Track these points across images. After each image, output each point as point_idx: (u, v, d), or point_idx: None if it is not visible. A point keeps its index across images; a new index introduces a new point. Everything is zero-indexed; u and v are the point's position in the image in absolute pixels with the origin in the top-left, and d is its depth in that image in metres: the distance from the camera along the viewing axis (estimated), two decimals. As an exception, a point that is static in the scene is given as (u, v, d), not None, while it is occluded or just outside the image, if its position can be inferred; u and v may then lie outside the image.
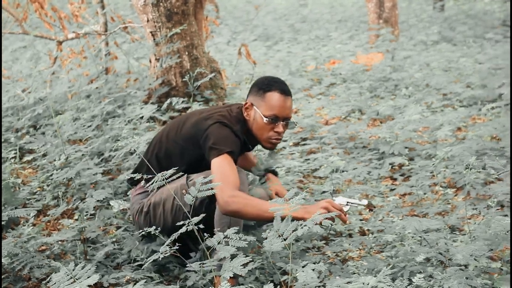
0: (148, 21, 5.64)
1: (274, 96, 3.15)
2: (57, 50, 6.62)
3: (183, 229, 2.61)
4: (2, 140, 5.03)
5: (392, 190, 4.38)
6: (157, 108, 5.37)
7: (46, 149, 4.58)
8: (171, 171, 2.70)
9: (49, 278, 2.61)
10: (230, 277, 2.64)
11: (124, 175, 4.19)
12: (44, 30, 10.57)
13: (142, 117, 5.15)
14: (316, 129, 5.52)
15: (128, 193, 3.94)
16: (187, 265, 2.88)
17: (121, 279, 3.07)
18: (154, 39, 5.64)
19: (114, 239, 3.50)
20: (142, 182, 3.19)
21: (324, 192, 4.13)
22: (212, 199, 2.92)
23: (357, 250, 3.43)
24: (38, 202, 4.11)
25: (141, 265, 3.18)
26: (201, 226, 2.63)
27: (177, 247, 2.70)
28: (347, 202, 2.99)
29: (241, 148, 3.15)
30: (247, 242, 2.57)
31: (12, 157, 4.80)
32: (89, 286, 2.32)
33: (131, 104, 5.61)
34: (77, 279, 2.35)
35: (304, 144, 5.25)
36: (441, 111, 6.14)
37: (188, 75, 5.35)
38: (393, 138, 4.95)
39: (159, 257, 2.61)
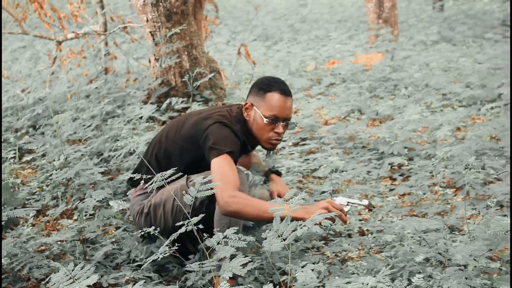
0: (147, 21, 5.64)
1: (274, 97, 3.14)
2: (56, 50, 6.63)
3: (183, 230, 2.61)
4: (2, 140, 5.03)
5: (391, 190, 4.38)
6: (157, 108, 5.37)
7: (45, 149, 4.58)
8: (170, 171, 2.70)
9: (48, 278, 2.61)
10: (230, 278, 2.64)
11: (123, 175, 4.19)
12: (44, 30, 10.58)
13: (141, 117, 5.15)
14: (315, 129, 5.52)
15: (127, 193, 3.94)
16: (186, 265, 2.88)
17: (120, 279, 3.07)
18: (153, 39, 5.64)
19: (113, 239, 3.50)
20: (142, 183, 3.19)
21: (323, 192, 4.13)
22: (212, 199, 2.92)
23: (356, 250, 3.43)
24: (37, 202, 4.11)
25: (140, 265, 3.18)
26: (201, 226, 2.63)
27: (177, 247, 2.70)
28: (348, 202, 2.99)
29: (241, 149, 3.15)
30: (247, 242, 2.57)
31: (12, 157, 4.80)
32: (88, 286, 2.32)
33: (131, 104, 5.61)
34: (76, 279, 2.35)
35: (303, 144, 5.25)
36: (440, 111, 6.14)
37: (187, 75, 5.35)
38: (393, 138, 4.95)
39: (159, 257, 2.62)
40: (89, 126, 4.96)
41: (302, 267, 2.71)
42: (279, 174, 3.56)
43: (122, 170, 4.43)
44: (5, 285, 3.11)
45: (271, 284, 2.53)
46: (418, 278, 2.70)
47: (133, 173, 3.03)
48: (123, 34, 10.20)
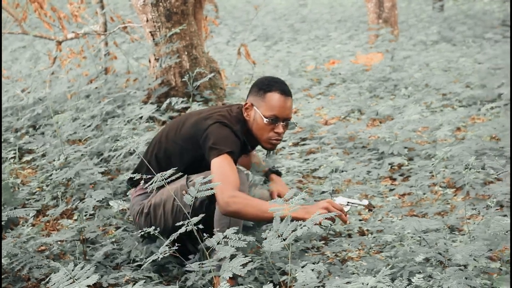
0: (147, 21, 5.64)
1: (274, 97, 3.14)
2: (56, 50, 6.63)
3: (183, 229, 2.61)
4: (2, 140, 5.03)
5: (391, 190, 4.38)
6: (157, 108, 5.37)
7: (45, 149, 4.58)
8: (170, 171, 2.70)
9: (48, 278, 2.61)
10: (230, 278, 2.64)
11: (123, 175, 4.19)
12: (44, 30, 10.58)
13: (141, 117, 5.15)
14: (315, 129, 5.52)
15: (127, 193, 3.94)
16: (186, 265, 2.88)
17: (120, 279, 3.07)
18: (153, 39, 5.64)
19: (113, 239, 3.50)
20: (142, 183, 3.19)
21: (323, 192, 4.13)
22: (212, 199, 2.91)
23: (356, 250, 3.43)
24: (37, 202, 4.11)
25: (140, 265, 3.18)
26: (201, 226, 2.63)
27: (176, 247, 2.70)
28: (348, 202, 2.99)
29: (241, 149, 3.15)
30: (247, 242, 2.57)
31: (12, 157, 4.80)
32: (88, 286, 2.32)
33: (131, 104, 5.61)
34: (76, 279, 2.35)
35: (303, 144, 5.25)
36: (440, 111, 6.14)
37: (187, 75, 5.35)
38: (393, 138, 4.95)
39: (158, 257, 2.62)
40: (89, 126, 4.96)
41: (302, 267, 2.70)
42: (279, 174, 3.56)
43: (122, 170, 4.43)
44: (5, 285, 3.11)
45: (271, 284, 2.53)
46: (418, 278, 2.71)
47: (133, 173, 3.03)
48: (123, 34, 10.19)
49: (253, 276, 3.03)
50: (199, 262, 2.76)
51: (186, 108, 5.38)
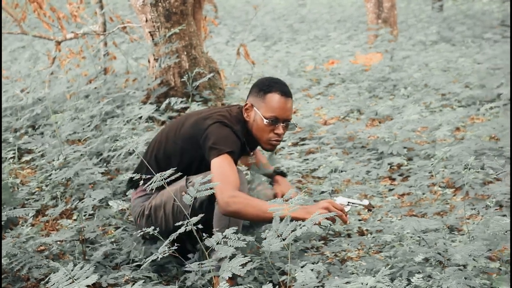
0: (146, 21, 5.64)
1: (274, 98, 3.14)
2: (55, 50, 6.62)
3: (182, 230, 2.60)
4: (1, 140, 5.03)
5: (390, 190, 4.38)
6: (156, 108, 5.37)
7: (44, 149, 4.58)
8: (169, 171, 2.69)
9: (47, 278, 2.61)
10: (229, 278, 2.64)
11: (123, 176, 4.19)
12: (43, 30, 10.57)
13: (140, 117, 5.15)
14: (314, 129, 5.52)
15: (127, 193, 3.94)
16: (186, 265, 2.88)
17: (119, 279, 3.07)
18: (152, 39, 5.64)
19: (112, 239, 3.50)
20: (142, 184, 3.18)
21: (322, 192, 4.13)
22: (211, 200, 2.91)
23: (355, 250, 3.43)
24: (36, 202, 4.10)
25: (139, 265, 3.18)
26: (200, 226, 2.63)
27: (176, 247, 2.70)
28: (348, 202, 2.99)
29: (240, 149, 3.15)
30: (246, 242, 2.57)
31: (11, 157, 4.80)
32: (87, 286, 2.32)
33: (130, 104, 5.61)
34: (75, 279, 2.35)
35: (303, 144, 5.25)
36: (439, 111, 6.14)
37: (186, 75, 5.35)
38: (392, 138, 4.95)
39: (158, 257, 2.61)
40: (89, 125, 4.96)
41: (302, 267, 2.71)
42: (284, 175, 3.55)
43: (121, 170, 4.43)
44: (5, 285, 3.11)
45: (271, 284, 2.53)
46: (418, 278, 2.71)
47: (133, 174, 3.03)
48: (122, 34, 10.20)
49: (252, 276, 3.03)
50: (198, 262, 2.76)
51: (185, 108, 5.38)
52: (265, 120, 3.12)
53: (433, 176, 4.37)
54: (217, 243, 2.58)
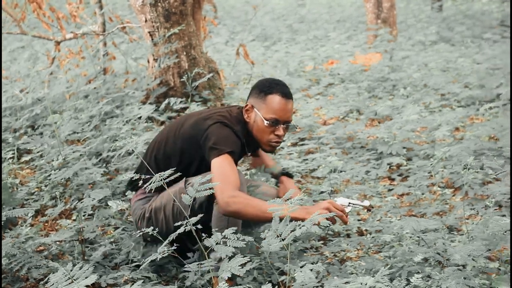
0: (146, 21, 5.64)
1: (275, 99, 3.13)
2: (55, 50, 6.62)
3: (181, 230, 2.60)
4: (1, 140, 5.02)
5: (390, 190, 4.38)
6: (155, 108, 5.36)
7: (44, 149, 4.57)
8: (169, 172, 2.69)
9: (47, 278, 2.61)
10: (228, 278, 2.64)
11: (122, 176, 4.19)
12: (42, 31, 10.57)
13: (140, 117, 5.15)
14: (314, 129, 5.52)
15: (126, 194, 3.94)
16: (185, 265, 2.88)
17: (119, 279, 3.07)
18: (152, 39, 5.64)
19: (112, 240, 3.50)
20: (141, 184, 3.18)
21: (322, 192, 4.13)
22: (210, 201, 2.91)
23: (355, 250, 3.43)
24: (36, 203, 4.10)
25: (139, 265, 3.18)
26: (200, 226, 2.63)
27: (175, 248, 2.70)
28: (349, 203, 2.99)
29: (241, 150, 3.14)
30: (246, 242, 2.57)
31: (10, 158, 4.80)
32: (87, 286, 2.32)
33: (129, 104, 5.61)
34: (75, 280, 2.35)
35: (302, 144, 5.25)
36: (439, 111, 6.14)
37: (186, 75, 5.35)
38: (391, 138, 4.95)
39: (157, 258, 2.61)
40: (88, 126, 4.95)
41: (301, 267, 2.70)
42: (290, 176, 3.54)
43: (120, 170, 4.43)
44: (4, 285, 3.11)
45: (270, 284, 2.53)
46: (417, 278, 2.71)
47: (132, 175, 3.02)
48: (122, 34, 10.20)
49: (251, 276, 3.03)
50: (198, 262, 2.76)
51: (185, 108, 5.38)
52: (265, 122, 3.12)
53: (432, 176, 4.37)
54: (216, 243, 2.58)
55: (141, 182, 2.96)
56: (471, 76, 7.26)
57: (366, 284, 2.48)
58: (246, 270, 2.54)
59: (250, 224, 3.26)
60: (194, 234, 2.62)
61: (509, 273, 2.86)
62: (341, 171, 4.47)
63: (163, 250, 2.63)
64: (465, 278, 2.70)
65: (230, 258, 2.59)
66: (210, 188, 2.64)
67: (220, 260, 2.79)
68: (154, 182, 2.67)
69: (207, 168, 3.00)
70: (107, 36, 6.60)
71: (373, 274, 3.00)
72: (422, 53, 9.78)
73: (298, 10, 18.27)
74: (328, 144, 5.19)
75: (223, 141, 3.00)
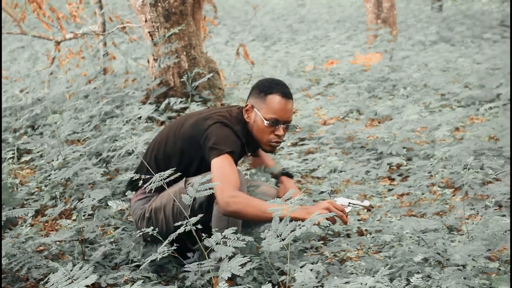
0: (146, 21, 5.64)
1: (275, 99, 3.14)
2: (55, 50, 6.62)
3: (181, 230, 2.60)
4: (1, 140, 5.03)
5: (390, 190, 4.38)
6: (155, 108, 5.36)
7: (44, 149, 4.57)
8: (169, 171, 2.69)
9: (47, 278, 2.61)
10: (228, 278, 2.64)
11: (122, 176, 4.19)
12: (42, 31, 10.57)
13: (140, 117, 5.15)
14: (314, 129, 5.52)
15: (126, 193, 3.94)
16: (185, 265, 2.88)
17: (119, 279, 3.07)
18: (152, 39, 5.64)
19: (112, 240, 3.50)
20: (141, 183, 3.17)
21: (322, 192, 4.13)
22: (210, 200, 2.91)
23: (355, 250, 3.43)
24: (36, 203, 4.10)
25: (139, 265, 3.18)
26: (200, 226, 2.62)
27: (175, 248, 2.70)
28: (349, 203, 2.99)
29: (241, 150, 3.14)
30: (245, 242, 2.57)
31: (10, 158, 4.80)
32: (87, 286, 2.32)
33: (129, 104, 5.61)
34: (75, 280, 2.35)
35: (302, 144, 5.25)
36: (439, 111, 6.14)
37: (186, 75, 5.35)
38: (391, 138, 4.95)
39: (157, 258, 2.61)
40: (88, 126, 4.95)
41: (301, 267, 2.71)
42: (290, 176, 3.54)
43: (120, 170, 4.43)
44: (4, 285, 3.11)
45: (270, 284, 2.53)
46: (417, 278, 2.71)
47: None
48: (122, 34, 10.19)
49: (251, 276, 3.03)
50: (198, 262, 2.76)
51: (185, 108, 5.38)
52: (265, 122, 3.12)
53: (432, 176, 4.37)
54: (216, 243, 2.58)
55: (141, 182, 2.97)
56: (471, 76, 7.26)
57: (366, 284, 2.48)
58: (246, 270, 2.54)
59: (250, 224, 3.26)
60: (194, 234, 2.62)
61: (509, 273, 2.86)
62: (341, 171, 4.47)
63: (163, 250, 2.63)
64: (465, 278, 2.70)
65: (230, 258, 2.59)
66: (210, 188, 2.64)
67: (220, 260, 2.78)
68: (154, 182, 2.67)
69: (207, 168, 3.00)
70: (107, 36, 6.60)
71: (373, 274, 3.00)
72: (422, 53, 9.78)
73: (298, 10, 18.26)
74: (328, 144, 5.19)
75: (223, 141, 3.00)
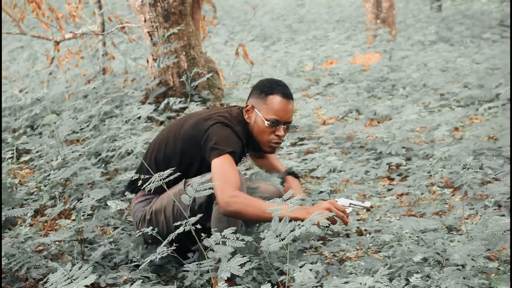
0: (145, 21, 5.63)
1: (275, 100, 3.14)
2: (54, 50, 6.62)
3: (181, 230, 2.60)
4: (1, 140, 5.02)
5: (389, 190, 4.38)
6: (155, 108, 5.36)
7: (43, 149, 4.57)
8: (168, 171, 2.69)
9: (46, 278, 2.61)
10: (227, 278, 2.64)
11: (121, 176, 4.19)
12: (42, 30, 10.56)
13: (139, 117, 5.15)
14: (313, 129, 5.52)
15: (125, 193, 3.94)
16: (184, 265, 2.88)
17: (118, 279, 3.06)
18: (151, 39, 5.64)
19: (111, 240, 3.50)
20: (140, 184, 3.17)
21: (321, 192, 4.13)
22: (209, 201, 2.91)
23: (354, 250, 3.43)
24: (35, 202, 4.10)
25: (138, 265, 3.18)
26: (199, 226, 2.62)
27: (174, 248, 2.70)
28: (350, 204, 2.98)
29: (241, 150, 3.14)
30: (245, 242, 2.57)
31: (9, 157, 4.80)
32: (86, 286, 2.32)
33: (129, 104, 5.61)
34: (74, 280, 2.35)
35: (301, 144, 5.25)
36: (438, 111, 6.15)
37: (185, 75, 5.35)
38: (391, 138, 4.95)
39: (156, 258, 2.61)
40: (87, 126, 4.95)
41: (300, 267, 2.70)
42: (296, 176, 3.54)
43: (120, 170, 4.43)
44: (3, 285, 3.11)
45: (269, 284, 2.53)
46: (416, 278, 2.71)
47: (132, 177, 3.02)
48: (121, 34, 10.19)
49: (251, 276, 3.03)
50: (197, 262, 2.76)
51: (184, 108, 5.38)
52: (266, 122, 3.12)
53: (431, 176, 4.37)
54: (216, 243, 2.58)
55: (140, 183, 2.96)
56: (470, 76, 7.26)
57: (365, 284, 2.47)
58: (246, 270, 2.54)
59: (248, 223, 3.26)
60: (194, 234, 2.62)
61: (509, 273, 2.86)
62: (340, 171, 4.47)
63: (162, 250, 2.63)
64: (464, 278, 2.70)
65: (229, 258, 2.59)
66: (210, 188, 2.64)
67: (220, 260, 2.78)
68: (153, 182, 2.67)
69: (207, 169, 3.00)
70: (106, 36, 6.60)
71: (372, 274, 3.00)
72: (421, 53, 9.78)
73: (298, 10, 18.26)
74: (327, 144, 5.19)
75: (224, 142, 3.00)
